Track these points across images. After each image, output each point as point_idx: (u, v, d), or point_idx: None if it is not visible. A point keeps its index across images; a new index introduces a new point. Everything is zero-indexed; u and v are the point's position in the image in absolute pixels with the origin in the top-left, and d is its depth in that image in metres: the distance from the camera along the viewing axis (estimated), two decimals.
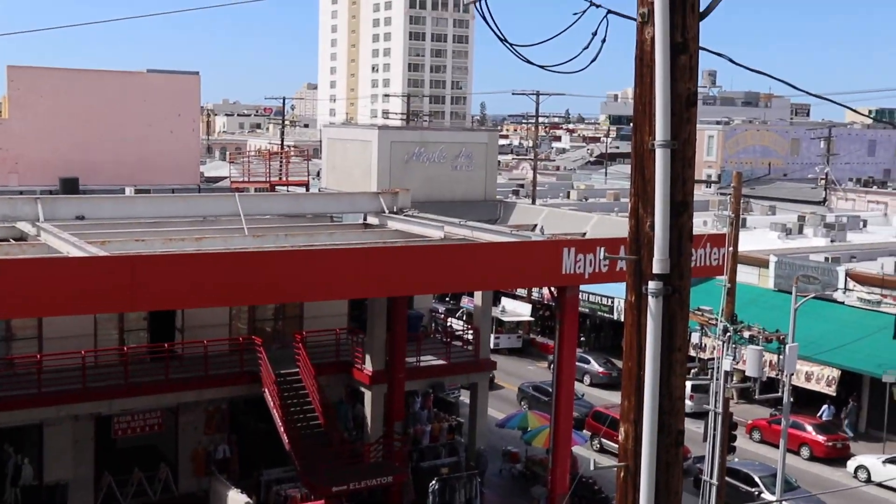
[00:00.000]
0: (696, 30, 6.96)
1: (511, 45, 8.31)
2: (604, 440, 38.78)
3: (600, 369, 49.84)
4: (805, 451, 40.30)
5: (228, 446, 32.54)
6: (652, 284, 6.57)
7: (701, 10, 7.04)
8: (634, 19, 7.26)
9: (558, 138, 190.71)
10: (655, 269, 6.55)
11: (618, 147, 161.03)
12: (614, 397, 46.37)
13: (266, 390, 31.03)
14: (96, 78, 44.52)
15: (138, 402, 30.98)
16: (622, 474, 6.89)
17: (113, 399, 30.59)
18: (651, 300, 6.57)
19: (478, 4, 8.36)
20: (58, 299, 22.30)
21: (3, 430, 29.79)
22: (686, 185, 6.88)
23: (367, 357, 32.58)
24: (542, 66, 8.51)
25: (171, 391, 31.43)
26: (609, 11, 7.78)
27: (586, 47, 7.98)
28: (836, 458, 40.09)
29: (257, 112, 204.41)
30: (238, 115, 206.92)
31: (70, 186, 39.03)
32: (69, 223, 30.00)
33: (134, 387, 30.78)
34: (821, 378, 43.77)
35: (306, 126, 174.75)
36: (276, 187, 46.38)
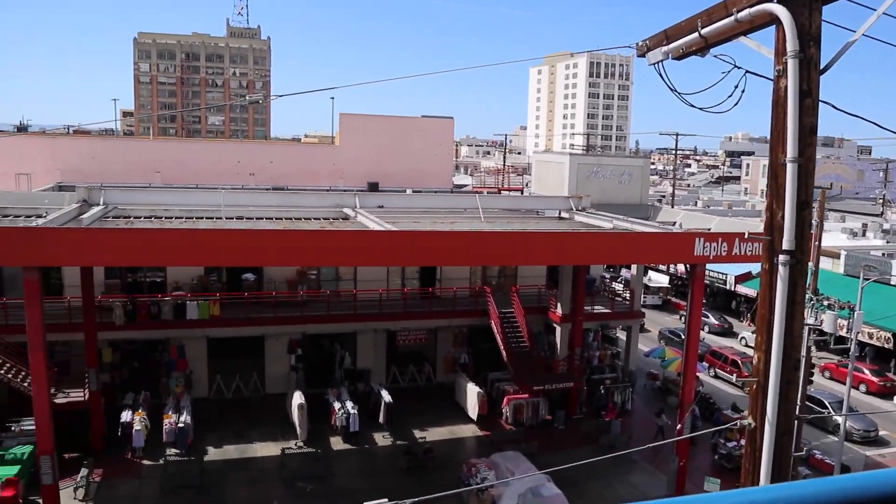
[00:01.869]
0: (817, 81, 6.44)
1: (680, 93, 8.00)
2: (718, 370, 37.04)
3: (716, 322, 47.44)
4: (862, 388, 37.30)
5: (467, 355, 33.04)
6: (782, 257, 6.13)
7: (821, 67, 6.52)
8: (764, 77, 6.84)
9: (689, 165, 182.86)
10: (784, 247, 6.10)
11: (731, 172, 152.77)
12: (725, 341, 44.17)
13: (492, 322, 31.27)
14: (391, 121, 45.85)
15: (412, 324, 31.90)
16: (755, 387, 6.47)
17: (398, 321, 31.64)
18: (781, 268, 6.13)
19: (657, 66, 8.16)
20: (366, 256, 23.06)
21: (334, 334, 31.47)
22: (808, 190, 6.36)
23: (559, 304, 32.28)
24: (700, 108, 8.09)
25: (433, 318, 32.18)
26: (747, 71, 7.39)
27: (730, 96, 7.54)
28: (886, 393, 36.94)
29: (487, 143, 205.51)
30: (475, 145, 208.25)
31: (374, 187, 40.48)
32: (373, 210, 31.05)
33: (410, 314, 31.72)
34: (879, 338, 40.63)
35: (519, 153, 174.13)
36: (502, 192, 46.58)
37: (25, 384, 23.75)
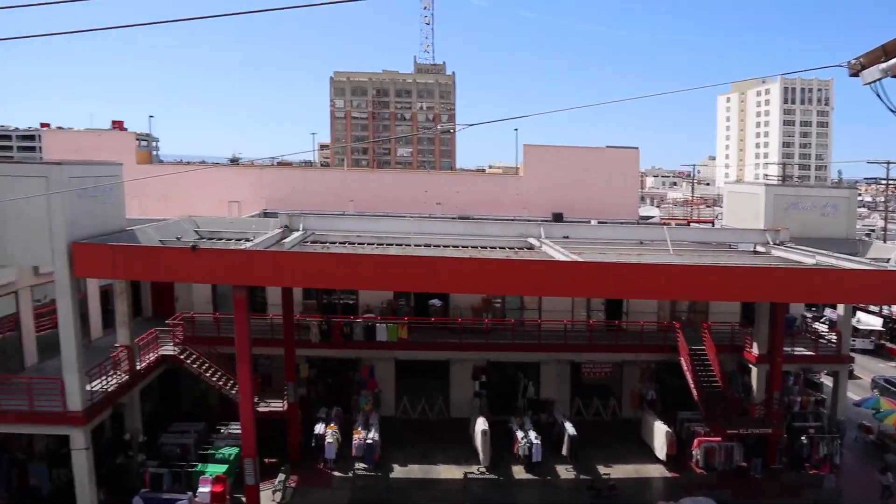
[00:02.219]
0: None
1: None
2: None
3: None
4: None
5: (654, 392, 31.93)
6: None
7: None
8: None
9: None
10: None
11: None
12: None
13: (682, 359, 30.03)
14: (575, 151, 45.74)
15: (598, 356, 31.38)
16: None
17: (582, 352, 31.26)
18: None
19: (873, 85, 7.65)
20: (554, 286, 23.07)
21: (519, 363, 31.67)
22: None
23: (755, 343, 30.42)
24: None
25: (619, 352, 31.47)
26: None
27: None
28: None
29: (674, 174, 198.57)
30: (661, 176, 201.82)
31: (558, 217, 40.50)
32: (559, 240, 30.97)
33: (596, 346, 31.21)
34: None
35: (707, 184, 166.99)
36: (690, 224, 44.91)
37: (233, 392, 25.98)
